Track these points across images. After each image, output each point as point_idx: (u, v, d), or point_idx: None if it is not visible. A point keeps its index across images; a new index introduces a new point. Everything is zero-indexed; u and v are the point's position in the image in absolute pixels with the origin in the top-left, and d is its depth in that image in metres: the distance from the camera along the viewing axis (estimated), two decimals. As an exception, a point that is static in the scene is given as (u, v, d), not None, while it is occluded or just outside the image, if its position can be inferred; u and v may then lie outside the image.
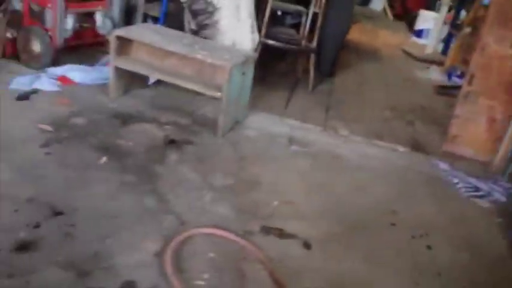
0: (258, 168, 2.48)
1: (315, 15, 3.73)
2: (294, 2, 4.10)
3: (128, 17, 3.60)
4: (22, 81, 2.83)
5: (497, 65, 2.83)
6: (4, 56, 3.12)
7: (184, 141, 2.59)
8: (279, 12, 4.13)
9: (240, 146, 2.68)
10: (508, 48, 2.79)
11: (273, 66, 4.12)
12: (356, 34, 6.44)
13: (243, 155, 2.59)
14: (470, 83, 2.90)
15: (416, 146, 3.12)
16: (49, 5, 2.95)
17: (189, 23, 3.37)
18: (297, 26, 4.02)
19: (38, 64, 3.03)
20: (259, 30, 3.46)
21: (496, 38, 2.79)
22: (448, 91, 4.30)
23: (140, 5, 3.65)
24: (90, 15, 3.29)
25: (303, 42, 3.75)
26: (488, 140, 2.97)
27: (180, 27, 3.34)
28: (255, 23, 3.38)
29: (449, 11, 6.17)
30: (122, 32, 2.82)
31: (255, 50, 3.39)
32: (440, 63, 5.30)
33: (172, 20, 3.55)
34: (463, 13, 5.68)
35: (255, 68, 2.97)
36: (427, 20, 6.58)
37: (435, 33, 5.99)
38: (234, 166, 2.46)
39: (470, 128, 2.97)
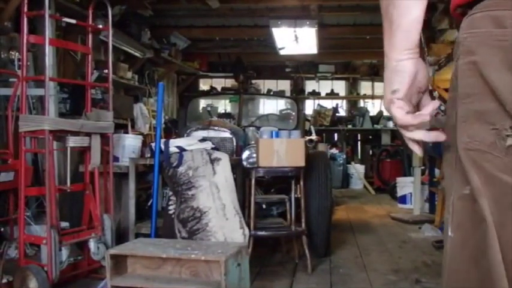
0: None
1: (298, 200, 3.90)
2: (276, 192, 4.31)
3: (120, 239, 3.71)
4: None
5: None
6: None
7: None
8: (264, 205, 4.30)
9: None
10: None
11: (268, 258, 4.15)
12: (344, 213, 6.63)
13: None
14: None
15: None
16: (44, 241, 3.06)
17: (180, 232, 3.48)
18: (283, 214, 4.16)
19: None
20: (248, 225, 3.57)
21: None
22: (445, 244, 4.30)
23: (131, 227, 3.79)
24: (83, 243, 3.39)
25: (293, 227, 3.85)
26: None
27: (172, 238, 3.44)
28: (242, 219, 3.51)
29: (423, 173, 6.51)
30: (116, 249, 2.90)
31: (247, 245, 3.45)
32: (431, 222, 5.40)
33: (163, 233, 3.65)
34: (436, 171, 5.99)
35: (251, 263, 3.00)
36: (405, 186, 6.88)
37: (417, 195, 6.20)
38: None
39: (475, 269, 2.92)
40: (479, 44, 0.93)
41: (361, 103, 11.61)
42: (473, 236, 0.93)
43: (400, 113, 1.04)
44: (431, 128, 1.05)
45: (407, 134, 1.07)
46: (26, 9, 3.06)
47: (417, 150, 1.10)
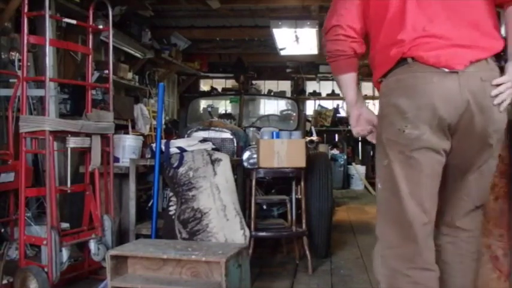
0: None
1: (298, 200, 3.90)
2: (277, 192, 4.31)
3: (121, 240, 3.71)
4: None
5: (478, 204, 2.91)
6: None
7: None
8: (264, 206, 4.29)
9: None
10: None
11: (269, 259, 4.15)
12: (345, 214, 6.62)
13: None
14: (459, 226, 2.95)
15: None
16: (44, 242, 3.05)
17: (180, 232, 3.46)
18: (284, 215, 4.16)
19: (35, 304, 3.00)
20: (249, 226, 3.56)
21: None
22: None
23: (132, 227, 3.77)
24: (83, 244, 3.39)
25: (293, 228, 3.85)
26: (499, 279, 2.90)
27: (172, 238, 3.43)
28: (243, 220, 3.50)
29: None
30: (117, 250, 2.89)
31: (248, 246, 3.44)
32: (431, 222, 5.38)
33: (164, 234, 3.64)
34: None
35: (251, 264, 3.00)
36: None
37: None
38: None
39: (476, 270, 2.92)
40: (391, 90, 1.90)
41: (362, 104, 11.58)
42: (390, 183, 1.90)
43: (355, 132, 2.18)
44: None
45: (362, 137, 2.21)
46: (26, 9, 3.06)
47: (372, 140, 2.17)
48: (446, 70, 1.80)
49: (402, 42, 1.85)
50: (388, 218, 1.95)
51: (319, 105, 11.28)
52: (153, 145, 3.68)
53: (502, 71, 1.91)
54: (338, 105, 11.35)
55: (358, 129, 2.13)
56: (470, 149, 1.88)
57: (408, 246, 1.88)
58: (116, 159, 3.87)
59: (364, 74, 11.41)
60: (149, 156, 3.82)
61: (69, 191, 3.36)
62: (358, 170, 9.94)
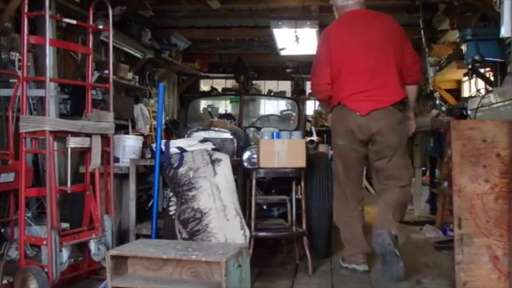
0: None
1: (298, 200, 3.89)
2: (277, 193, 4.31)
3: (121, 240, 3.70)
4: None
5: (479, 204, 2.91)
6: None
7: None
8: (265, 206, 4.29)
9: None
10: (484, 184, 2.91)
11: (269, 259, 4.15)
12: (344, 214, 6.60)
13: None
14: (459, 226, 2.95)
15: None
16: (44, 242, 3.05)
17: (180, 233, 3.46)
18: (284, 215, 4.15)
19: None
20: (249, 226, 3.56)
21: (469, 178, 2.94)
22: (446, 245, 4.30)
23: (132, 228, 3.77)
24: (84, 244, 3.39)
25: (293, 228, 3.85)
26: (499, 279, 2.90)
27: (173, 238, 3.43)
28: (243, 220, 3.50)
29: (424, 174, 6.50)
30: (117, 250, 2.89)
31: (248, 246, 3.44)
32: (432, 222, 5.39)
33: (164, 234, 3.64)
34: (437, 172, 5.98)
35: (251, 264, 3.00)
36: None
37: (418, 196, 6.19)
38: None
39: (476, 270, 2.91)
40: (333, 118, 3.81)
41: (362, 104, 11.57)
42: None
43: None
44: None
45: None
46: (26, 9, 3.05)
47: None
48: (358, 114, 3.51)
49: (341, 98, 3.60)
50: (336, 180, 3.89)
51: (319, 105, 11.26)
52: (153, 145, 3.68)
53: (401, 111, 3.56)
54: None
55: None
56: (378, 150, 3.62)
57: (343, 196, 3.84)
58: (116, 160, 3.87)
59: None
60: (149, 156, 3.82)
61: (69, 191, 3.35)
62: (358, 170, 9.89)
